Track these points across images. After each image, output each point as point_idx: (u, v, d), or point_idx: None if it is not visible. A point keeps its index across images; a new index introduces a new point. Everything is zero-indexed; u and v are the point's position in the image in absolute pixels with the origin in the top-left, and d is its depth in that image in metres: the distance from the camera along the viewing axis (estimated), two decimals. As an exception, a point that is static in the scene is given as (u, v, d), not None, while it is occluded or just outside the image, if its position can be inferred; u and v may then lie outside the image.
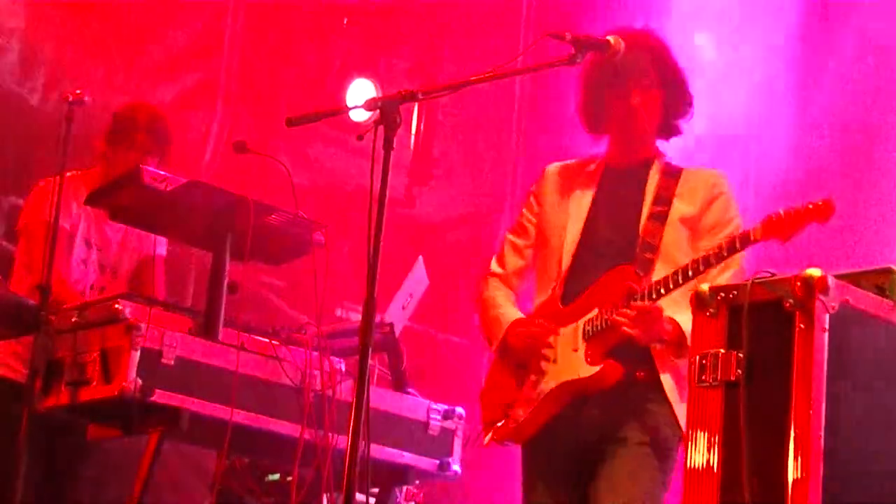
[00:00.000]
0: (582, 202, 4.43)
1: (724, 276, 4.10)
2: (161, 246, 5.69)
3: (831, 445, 3.13)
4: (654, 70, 4.40)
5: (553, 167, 4.67)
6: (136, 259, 5.65)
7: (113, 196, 4.93)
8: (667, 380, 4.19)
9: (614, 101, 4.41)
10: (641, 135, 4.44)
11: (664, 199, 4.29)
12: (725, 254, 4.00)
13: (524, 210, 4.60)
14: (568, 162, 4.68)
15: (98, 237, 5.54)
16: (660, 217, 4.26)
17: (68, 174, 5.29)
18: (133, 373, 4.32)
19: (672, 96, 4.42)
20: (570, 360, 4.23)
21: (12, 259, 5.73)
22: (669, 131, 4.49)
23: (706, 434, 3.30)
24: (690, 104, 4.47)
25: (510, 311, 4.48)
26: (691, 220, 4.30)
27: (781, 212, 3.92)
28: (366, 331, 3.57)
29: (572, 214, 4.41)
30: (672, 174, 4.38)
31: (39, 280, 4.64)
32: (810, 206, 3.87)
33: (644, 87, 4.38)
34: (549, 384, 4.25)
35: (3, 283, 5.46)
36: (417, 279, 5.45)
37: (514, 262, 4.59)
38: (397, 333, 5.22)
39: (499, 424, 4.37)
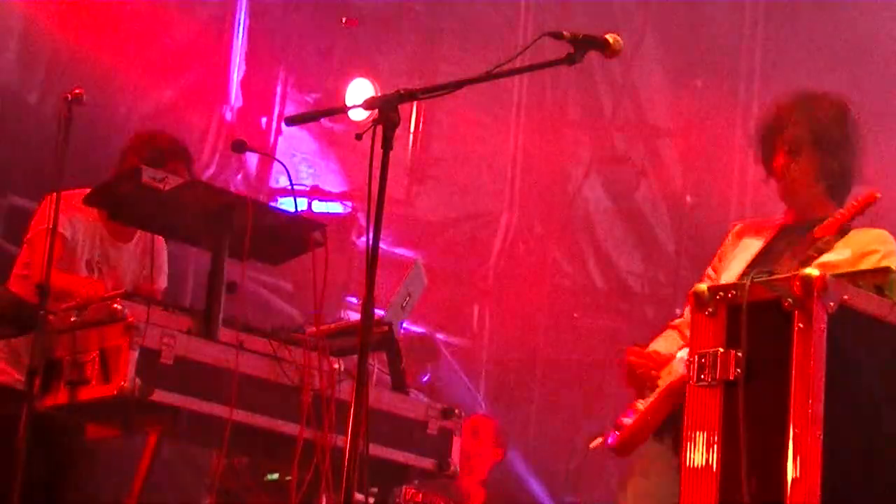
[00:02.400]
0: (748, 252, 4.40)
1: None
2: (163, 278, 5.68)
3: (830, 445, 3.13)
4: (806, 129, 4.37)
5: (739, 224, 4.65)
6: (136, 285, 5.63)
7: (112, 195, 4.92)
8: None
9: (768, 158, 4.44)
10: (796, 192, 4.40)
11: (818, 249, 4.20)
12: None
13: (708, 267, 4.58)
14: (754, 220, 4.67)
15: (101, 260, 5.50)
16: (803, 260, 4.18)
17: (80, 190, 5.29)
18: (132, 372, 4.31)
19: (830, 157, 4.37)
20: (672, 371, 4.24)
21: (12, 259, 5.73)
22: (836, 191, 4.40)
23: (705, 433, 3.30)
24: (847, 163, 4.40)
25: (653, 345, 4.49)
26: (837, 269, 4.18)
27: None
28: (365, 330, 3.57)
29: (737, 261, 4.39)
30: (841, 232, 4.24)
31: (37, 280, 4.64)
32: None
33: (791, 146, 4.37)
34: (654, 395, 4.26)
35: (2, 283, 5.45)
36: (416, 279, 5.44)
37: (686, 313, 4.58)
38: (396, 333, 5.22)
39: (615, 434, 4.35)
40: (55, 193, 4.82)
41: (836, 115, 4.42)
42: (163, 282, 5.69)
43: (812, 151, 4.36)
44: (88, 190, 5.35)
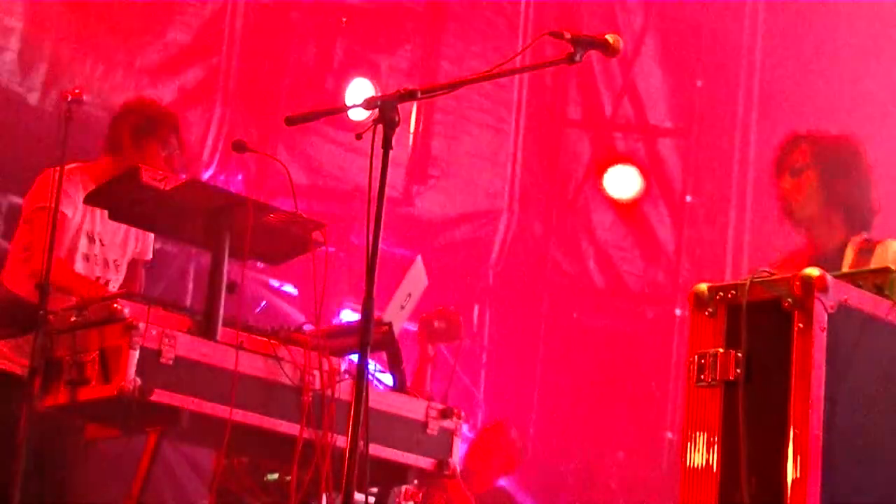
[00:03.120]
0: None
1: None
2: (150, 251, 5.73)
3: (830, 445, 3.13)
4: (807, 152, 4.50)
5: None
6: (132, 257, 5.67)
7: (112, 195, 4.92)
8: None
9: (776, 187, 4.55)
10: (802, 207, 4.50)
11: None
12: None
13: None
14: (779, 256, 4.71)
15: (102, 231, 5.53)
16: None
17: (72, 165, 5.30)
18: (132, 372, 4.31)
19: (834, 175, 4.46)
20: None
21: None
22: (854, 216, 4.48)
23: (705, 434, 3.30)
24: (855, 188, 4.49)
25: None
26: None
27: None
28: (364, 330, 3.57)
29: None
30: (868, 250, 4.35)
31: (37, 268, 4.65)
32: None
33: (795, 171, 4.48)
34: None
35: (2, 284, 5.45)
36: (416, 278, 5.44)
37: None
38: (396, 333, 5.22)
39: None
40: (55, 169, 4.83)
41: (840, 142, 4.55)
42: (149, 253, 5.73)
43: (815, 169, 4.48)
44: (80, 164, 5.38)
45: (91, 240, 5.49)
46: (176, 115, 5.70)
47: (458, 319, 7.02)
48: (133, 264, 5.69)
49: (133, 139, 5.50)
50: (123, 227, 5.59)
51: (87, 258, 5.49)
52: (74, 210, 5.38)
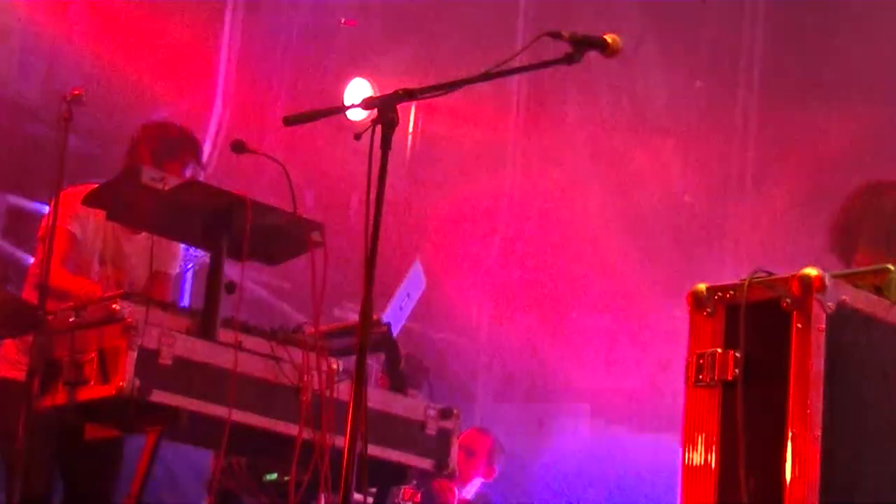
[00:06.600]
0: None
1: None
2: (175, 263, 5.68)
3: (828, 445, 3.13)
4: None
5: None
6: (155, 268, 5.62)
7: (111, 195, 4.92)
8: None
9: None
10: None
11: None
12: None
13: None
14: None
15: (115, 254, 5.49)
16: None
17: (88, 185, 5.30)
18: (131, 372, 4.31)
19: None
20: None
21: (11, 259, 5.73)
22: None
23: (704, 434, 3.30)
24: None
25: None
26: None
27: None
28: (363, 331, 3.57)
29: None
30: None
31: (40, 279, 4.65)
32: None
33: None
34: None
35: (2, 285, 5.45)
36: (415, 279, 5.45)
37: None
38: (395, 333, 5.22)
39: None
40: (72, 190, 4.84)
41: None
42: (174, 268, 5.68)
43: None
44: (96, 185, 5.38)
45: (102, 263, 5.46)
46: (196, 138, 5.68)
47: (423, 366, 6.98)
48: (154, 275, 5.61)
49: (153, 162, 5.46)
50: (140, 246, 5.54)
51: (97, 281, 5.46)
52: (83, 231, 5.37)
